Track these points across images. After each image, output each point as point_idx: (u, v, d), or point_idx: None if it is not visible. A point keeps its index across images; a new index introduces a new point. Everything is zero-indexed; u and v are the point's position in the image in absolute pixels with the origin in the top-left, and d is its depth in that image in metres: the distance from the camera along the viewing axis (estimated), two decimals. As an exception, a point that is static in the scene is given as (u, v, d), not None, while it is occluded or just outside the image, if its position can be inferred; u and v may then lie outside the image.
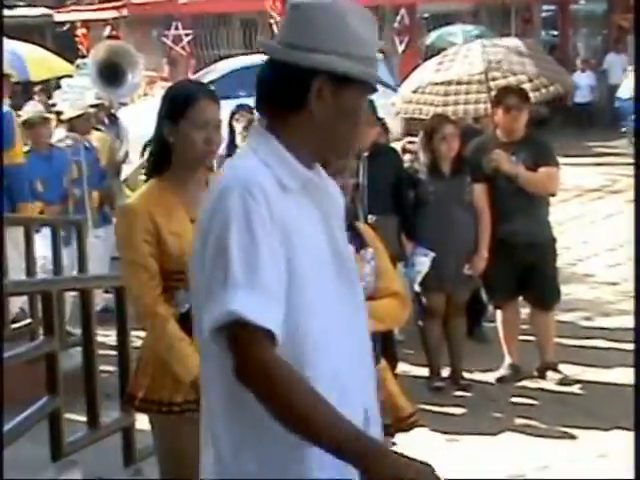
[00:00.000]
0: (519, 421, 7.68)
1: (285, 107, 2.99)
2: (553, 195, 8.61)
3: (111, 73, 11.78)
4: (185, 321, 4.58)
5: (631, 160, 17.43)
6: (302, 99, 2.95)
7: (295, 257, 2.85)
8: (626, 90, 24.78)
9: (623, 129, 24.09)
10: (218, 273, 2.77)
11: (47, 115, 11.06)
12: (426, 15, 24.72)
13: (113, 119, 13.11)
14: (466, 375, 8.81)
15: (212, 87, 5.72)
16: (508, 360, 8.71)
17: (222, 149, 8.75)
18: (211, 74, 22.08)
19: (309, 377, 2.84)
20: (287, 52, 2.97)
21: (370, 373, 3.21)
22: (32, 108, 11.00)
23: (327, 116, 2.98)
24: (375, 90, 3.10)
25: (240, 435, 2.96)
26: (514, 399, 8.32)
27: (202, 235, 2.89)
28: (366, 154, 8.48)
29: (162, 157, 4.64)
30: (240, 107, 10.60)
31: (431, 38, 22.60)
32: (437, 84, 10.42)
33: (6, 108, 9.85)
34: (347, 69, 2.95)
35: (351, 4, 3.09)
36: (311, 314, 2.89)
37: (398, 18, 24.42)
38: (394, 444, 5.12)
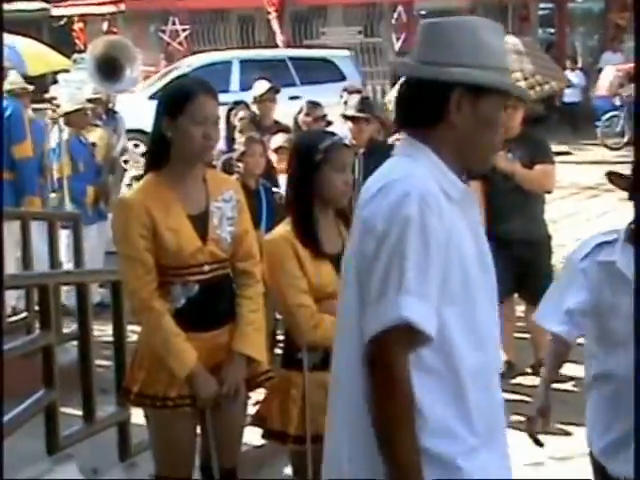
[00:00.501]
0: (513, 418, 7.70)
1: (427, 121, 3.08)
2: (549, 192, 8.61)
3: (109, 68, 11.72)
4: (181, 316, 4.59)
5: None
6: (442, 112, 3.05)
7: (452, 264, 2.95)
8: (602, 88, 24.74)
9: (597, 126, 24.08)
10: (393, 276, 2.88)
11: (27, 86, 11.10)
12: (423, 12, 24.71)
13: (111, 114, 13.07)
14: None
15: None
16: (503, 357, 8.72)
17: (220, 145, 8.77)
18: (180, 69, 21.98)
19: (458, 369, 3.02)
20: (424, 69, 3.07)
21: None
22: (13, 78, 10.96)
23: (467, 127, 3.07)
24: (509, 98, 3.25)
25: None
26: (508, 396, 8.31)
27: (376, 236, 2.95)
28: (362, 150, 8.52)
29: (160, 152, 4.65)
30: (237, 103, 10.64)
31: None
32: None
33: (16, 103, 9.86)
34: (483, 80, 3.04)
35: (480, 19, 3.23)
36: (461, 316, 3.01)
37: (395, 15, 24.47)
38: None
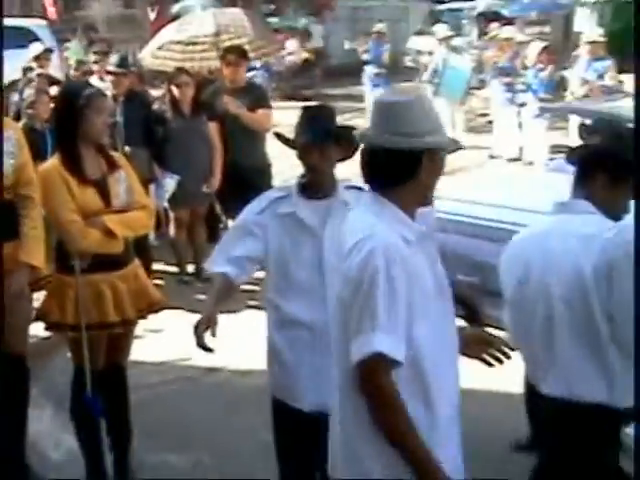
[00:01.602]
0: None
1: (398, 181, 3.14)
2: (267, 130, 8.65)
3: None
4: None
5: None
6: (413, 173, 3.12)
7: (414, 298, 3.04)
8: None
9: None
10: (366, 316, 2.99)
11: None
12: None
13: None
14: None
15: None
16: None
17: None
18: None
19: (432, 389, 3.15)
20: (397, 140, 3.09)
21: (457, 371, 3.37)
22: None
23: (430, 179, 3.18)
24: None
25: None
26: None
27: (352, 284, 3.05)
28: (122, 98, 8.63)
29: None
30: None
31: (175, 8, 22.34)
32: (177, 43, 10.48)
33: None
34: (442, 142, 3.17)
35: (418, 93, 3.26)
36: (426, 342, 3.10)
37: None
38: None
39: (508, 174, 9.47)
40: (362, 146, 3.29)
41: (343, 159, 4.05)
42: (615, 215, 3.80)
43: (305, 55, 23.17)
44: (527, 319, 3.94)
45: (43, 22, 20.69)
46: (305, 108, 4.12)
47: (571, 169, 5.93)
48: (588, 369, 3.74)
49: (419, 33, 22.51)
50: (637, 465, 3.20)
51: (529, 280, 3.88)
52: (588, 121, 5.40)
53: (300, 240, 3.96)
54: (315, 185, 3.98)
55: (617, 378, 3.68)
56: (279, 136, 4.13)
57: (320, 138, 3.91)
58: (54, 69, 11.51)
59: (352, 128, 4.05)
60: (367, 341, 2.99)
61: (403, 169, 3.12)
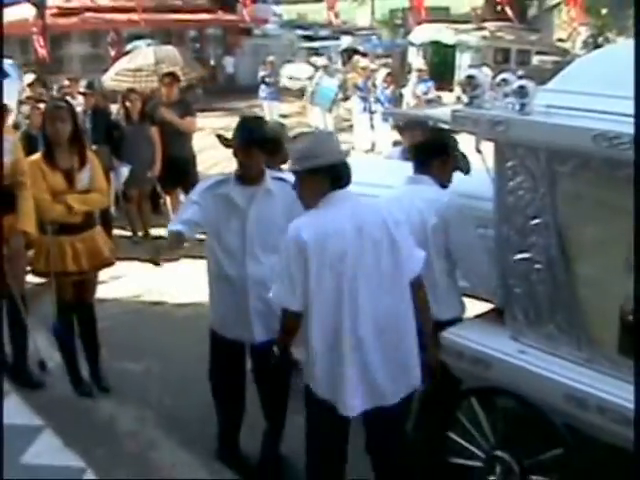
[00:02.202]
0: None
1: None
2: (193, 132, 8.64)
3: None
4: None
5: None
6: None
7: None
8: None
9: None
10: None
11: None
12: (125, 34, 23.96)
13: None
14: (153, 232, 8.82)
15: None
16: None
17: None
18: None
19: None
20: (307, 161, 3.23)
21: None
22: None
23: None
24: None
25: None
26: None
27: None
28: (89, 111, 8.42)
29: None
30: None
31: (129, 47, 21.72)
32: (128, 70, 10.34)
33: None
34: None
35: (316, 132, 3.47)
36: None
37: (110, 35, 23.68)
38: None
39: (365, 160, 9.50)
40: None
41: (273, 159, 4.02)
42: (444, 185, 3.97)
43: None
44: None
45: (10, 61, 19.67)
46: (241, 118, 3.97)
47: (396, 155, 6.08)
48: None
49: (288, 61, 22.77)
50: (637, 465, 2.93)
51: None
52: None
53: (230, 214, 3.81)
54: (245, 175, 3.85)
55: (443, 299, 3.78)
56: (220, 137, 3.95)
57: (247, 142, 3.77)
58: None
59: (279, 138, 4.22)
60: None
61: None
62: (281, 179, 3.86)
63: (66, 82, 10.66)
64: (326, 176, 3.22)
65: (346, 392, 3.21)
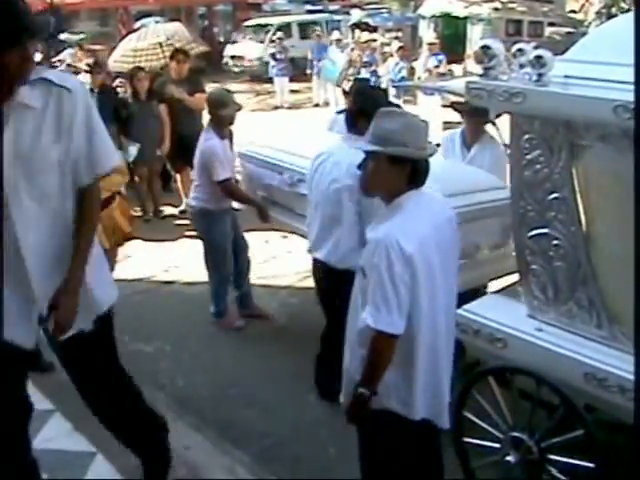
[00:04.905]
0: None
1: None
2: (202, 109, 8.49)
3: None
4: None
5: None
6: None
7: None
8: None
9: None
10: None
11: None
12: (134, 12, 23.86)
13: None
14: (163, 211, 8.81)
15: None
16: (185, 199, 8.72)
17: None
18: None
19: None
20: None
21: None
22: None
23: None
24: None
25: None
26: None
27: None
28: (97, 90, 8.30)
29: None
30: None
31: (138, 24, 21.58)
32: (136, 49, 10.27)
33: None
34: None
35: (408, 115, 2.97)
36: None
37: (120, 12, 23.54)
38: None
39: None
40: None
41: None
42: None
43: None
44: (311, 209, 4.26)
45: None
46: None
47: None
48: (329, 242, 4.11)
49: (234, 42, 22.67)
50: (637, 464, 2.81)
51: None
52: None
53: None
54: None
55: (341, 248, 4.00)
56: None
57: None
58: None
59: None
60: None
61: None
62: (44, 80, 2.60)
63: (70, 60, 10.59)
64: (406, 169, 2.81)
65: (444, 405, 3.02)
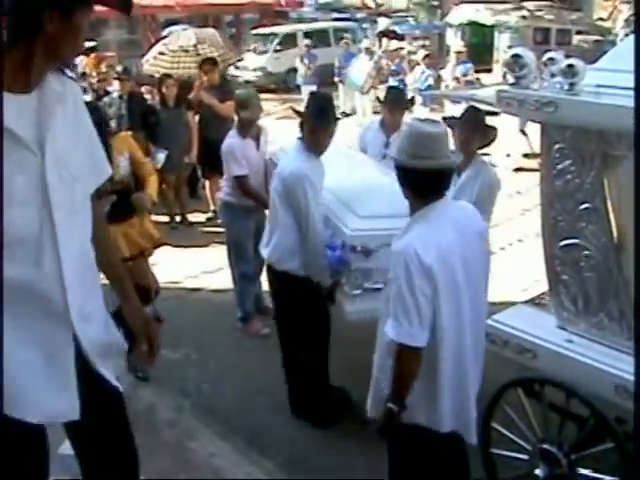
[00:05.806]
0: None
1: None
2: (232, 116, 8.46)
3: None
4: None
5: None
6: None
7: None
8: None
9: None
10: None
11: None
12: (162, 20, 24.10)
13: None
14: (190, 218, 8.84)
15: None
16: (212, 207, 8.78)
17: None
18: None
19: None
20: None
21: None
22: None
23: None
24: None
25: None
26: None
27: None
28: (126, 97, 8.36)
29: None
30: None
31: (166, 32, 21.76)
32: (169, 52, 10.29)
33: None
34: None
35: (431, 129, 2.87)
36: None
37: (148, 20, 23.83)
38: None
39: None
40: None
41: None
42: (315, 151, 4.14)
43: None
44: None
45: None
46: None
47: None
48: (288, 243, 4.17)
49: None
50: (636, 463, 2.82)
51: None
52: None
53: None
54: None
55: (279, 249, 4.19)
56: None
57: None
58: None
59: None
60: None
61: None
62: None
63: (103, 68, 10.68)
64: (431, 179, 2.83)
65: (472, 420, 2.98)
